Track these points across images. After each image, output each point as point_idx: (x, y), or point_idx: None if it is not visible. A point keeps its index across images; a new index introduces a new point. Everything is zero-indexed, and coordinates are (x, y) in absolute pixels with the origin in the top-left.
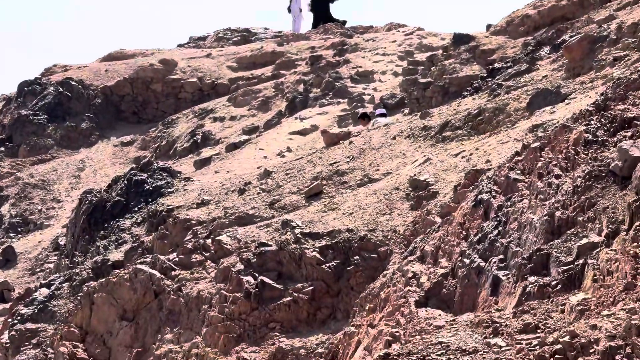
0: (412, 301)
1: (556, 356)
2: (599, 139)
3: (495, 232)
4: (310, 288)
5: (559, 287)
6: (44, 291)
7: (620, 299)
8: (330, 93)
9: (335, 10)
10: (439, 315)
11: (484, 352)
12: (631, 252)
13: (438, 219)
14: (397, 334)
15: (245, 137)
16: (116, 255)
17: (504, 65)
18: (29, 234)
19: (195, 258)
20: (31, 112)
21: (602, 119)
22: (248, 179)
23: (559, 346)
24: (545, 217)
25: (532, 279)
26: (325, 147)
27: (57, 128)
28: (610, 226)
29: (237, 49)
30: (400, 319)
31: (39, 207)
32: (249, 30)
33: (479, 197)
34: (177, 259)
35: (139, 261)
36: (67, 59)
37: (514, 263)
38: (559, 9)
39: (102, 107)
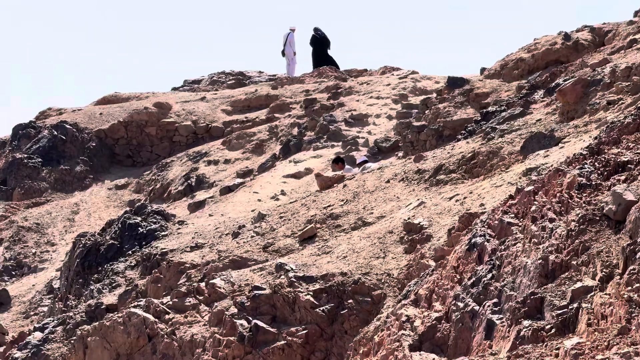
0: (406, 345)
1: None
2: (593, 183)
3: (489, 275)
4: (304, 332)
5: (553, 331)
6: (38, 335)
7: (615, 343)
8: (325, 136)
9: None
10: (433, 359)
11: None
12: (625, 296)
13: (432, 263)
14: None
15: (240, 180)
16: (110, 298)
17: (498, 109)
18: (23, 277)
19: (189, 301)
20: (25, 156)
21: (596, 163)
22: (242, 222)
23: None
24: (539, 261)
25: (526, 322)
26: (319, 190)
27: (51, 171)
28: (604, 270)
29: (232, 92)
30: None
31: (33, 251)
32: (243, 74)
33: (473, 240)
34: (170, 303)
35: (132, 304)
36: (62, 103)
37: (508, 307)
38: (553, 52)
39: (97, 151)
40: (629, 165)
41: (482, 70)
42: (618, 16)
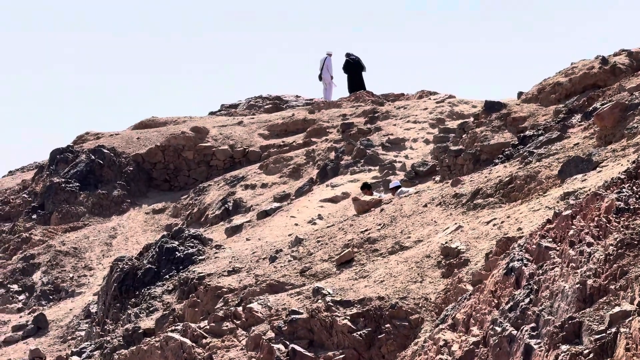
0: None
1: None
2: (631, 207)
3: (527, 300)
4: (342, 356)
5: (591, 355)
6: (75, 359)
7: None
8: (362, 160)
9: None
10: None
11: None
12: None
13: (469, 287)
14: None
15: (277, 204)
16: (147, 323)
17: (535, 133)
18: (60, 301)
19: (227, 326)
20: (63, 180)
21: (634, 187)
22: (279, 247)
23: None
24: (577, 285)
25: (564, 347)
26: (357, 214)
27: (89, 196)
28: None
29: (269, 116)
30: None
31: (71, 275)
32: (280, 98)
33: (511, 265)
34: (208, 327)
35: (170, 329)
36: (99, 127)
37: (545, 331)
38: (591, 76)
39: (134, 175)
40: None
41: (520, 94)
42: None
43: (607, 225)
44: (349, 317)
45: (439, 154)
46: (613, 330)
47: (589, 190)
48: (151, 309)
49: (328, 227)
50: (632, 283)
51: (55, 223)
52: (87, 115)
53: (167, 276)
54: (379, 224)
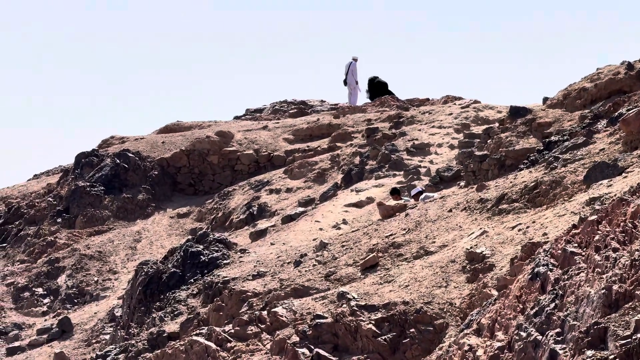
0: None
1: None
2: None
3: (552, 305)
4: None
5: None
6: None
7: None
8: (386, 165)
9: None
10: None
11: None
12: None
13: (494, 292)
14: None
15: (301, 209)
16: (172, 326)
17: (560, 139)
18: (85, 305)
19: (251, 330)
20: (88, 184)
21: None
22: (304, 251)
23: None
24: (602, 291)
25: (589, 353)
26: (381, 219)
27: (113, 199)
28: None
29: (294, 121)
30: None
31: (95, 279)
32: (305, 103)
33: (536, 270)
34: (232, 331)
35: (194, 332)
36: (124, 131)
37: (571, 337)
38: (616, 82)
39: (159, 179)
40: None
41: (545, 99)
42: None
43: (633, 230)
44: (373, 322)
45: (463, 159)
46: (639, 335)
47: (615, 195)
48: (176, 312)
49: (353, 231)
50: None
51: (80, 227)
52: (112, 119)
53: (192, 280)
54: (404, 229)
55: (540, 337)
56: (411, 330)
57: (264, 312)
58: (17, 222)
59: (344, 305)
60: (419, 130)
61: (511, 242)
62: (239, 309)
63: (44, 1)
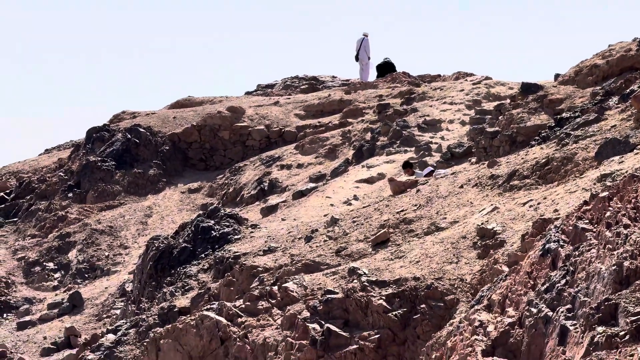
0: (479, 350)
1: None
2: None
3: (563, 281)
4: (377, 336)
5: (627, 337)
6: (111, 337)
7: None
8: (398, 141)
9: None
10: None
11: None
12: None
13: (505, 268)
14: None
15: (312, 184)
16: (182, 301)
17: (572, 115)
18: (95, 280)
19: (262, 305)
20: (99, 159)
21: None
22: (315, 227)
23: None
24: (613, 267)
25: (600, 329)
26: (392, 195)
27: (124, 174)
28: None
29: (305, 97)
30: None
31: (106, 254)
32: (316, 79)
33: (547, 246)
34: (243, 306)
35: (205, 307)
36: (136, 106)
37: (581, 313)
38: (628, 59)
39: (170, 154)
40: None
41: (556, 76)
42: None
43: None
44: (384, 297)
45: (475, 136)
46: None
47: (626, 172)
48: (186, 287)
49: (364, 207)
50: None
51: (91, 202)
52: (123, 94)
53: (203, 255)
54: (415, 205)
55: (551, 313)
56: (422, 306)
57: (275, 288)
58: (28, 197)
59: (355, 281)
60: (430, 106)
61: (522, 219)
62: (249, 284)
63: None
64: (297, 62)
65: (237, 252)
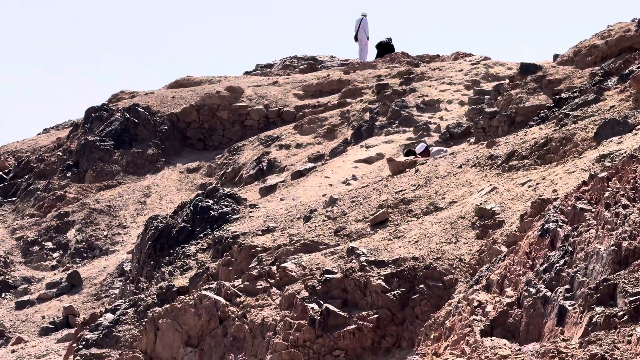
0: (478, 330)
1: None
2: None
3: (562, 261)
4: (375, 316)
5: (625, 317)
6: (109, 316)
7: None
8: (396, 121)
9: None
10: (505, 344)
11: None
12: None
13: (504, 248)
14: None
15: (311, 164)
16: (181, 281)
17: (571, 95)
18: (94, 259)
19: (260, 285)
20: (98, 138)
21: None
22: (313, 207)
23: None
24: (612, 247)
25: (598, 309)
26: (391, 175)
27: (123, 154)
28: None
29: (304, 76)
30: (466, 348)
31: (105, 233)
32: (315, 58)
33: (546, 226)
34: (242, 286)
35: (204, 287)
36: (134, 86)
37: (580, 293)
38: (627, 39)
39: (169, 134)
40: None
41: (555, 56)
42: None
43: None
44: (382, 277)
45: (473, 116)
46: None
47: (625, 152)
48: (185, 267)
49: (362, 187)
50: None
51: (90, 181)
52: (122, 73)
53: (201, 235)
54: (414, 185)
55: (550, 293)
56: (420, 286)
57: (274, 267)
58: (26, 176)
59: (354, 261)
60: (429, 86)
61: (521, 199)
62: (248, 264)
63: None
64: (296, 42)
65: (235, 231)
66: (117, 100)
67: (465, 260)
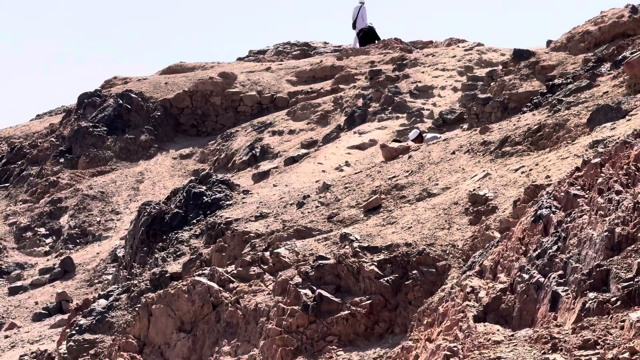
0: (471, 316)
1: None
2: None
3: (555, 247)
4: (368, 302)
5: (618, 303)
6: (102, 302)
7: None
8: (389, 108)
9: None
10: (498, 330)
11: None
12: None
13: (497, 234)
14: (455, 349)
15: (304, 151)
16: (174, 267)
17: (564, 81)
18: (87, 245)
19: (254, 271)
20: (91, 124)
21: None
22: (307, 193)
23: None
24: (605, 233)
25: (591, 295)
26: (384, 161)
27: (116, 140)
28: None
29: (297, 62)
30: (459, 333)
31: (98, 219)
32: (308, 45)
33: (539, 212)
34: (235, 272)
35: (197, 273)
36: (127, 72)
37: (573, 279)
38: (620, 25)
39: (162, 120)
40: None
41: (548, 42)
42: None
43: (636, 173)
44: (376, 263)
45: (466, 102)
46: None
47: (618, 138)
48: (178, 253)
49: (355, 173)
50: None
51: (83, 167)
52: (115, 59)
53: (195, 221)
54: (407, 171)
55: (543, 279)
56: (413, 271)
57: (267, 253)
58: (19, 162)
59: (347, 247)
60: (422, 72)
61: (514, 185)
62: (241, 250)
63: None
64: (289, 28)
65: (228, 217)
66: (110, 86)
67: (458, 246)
